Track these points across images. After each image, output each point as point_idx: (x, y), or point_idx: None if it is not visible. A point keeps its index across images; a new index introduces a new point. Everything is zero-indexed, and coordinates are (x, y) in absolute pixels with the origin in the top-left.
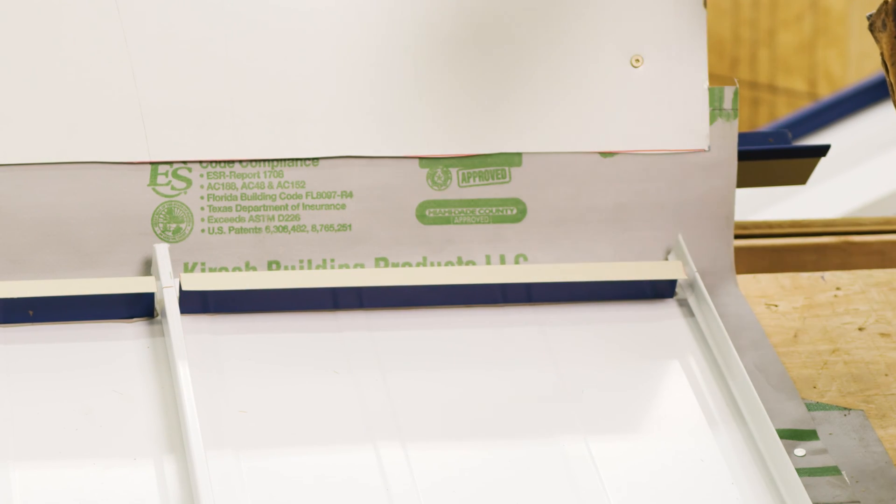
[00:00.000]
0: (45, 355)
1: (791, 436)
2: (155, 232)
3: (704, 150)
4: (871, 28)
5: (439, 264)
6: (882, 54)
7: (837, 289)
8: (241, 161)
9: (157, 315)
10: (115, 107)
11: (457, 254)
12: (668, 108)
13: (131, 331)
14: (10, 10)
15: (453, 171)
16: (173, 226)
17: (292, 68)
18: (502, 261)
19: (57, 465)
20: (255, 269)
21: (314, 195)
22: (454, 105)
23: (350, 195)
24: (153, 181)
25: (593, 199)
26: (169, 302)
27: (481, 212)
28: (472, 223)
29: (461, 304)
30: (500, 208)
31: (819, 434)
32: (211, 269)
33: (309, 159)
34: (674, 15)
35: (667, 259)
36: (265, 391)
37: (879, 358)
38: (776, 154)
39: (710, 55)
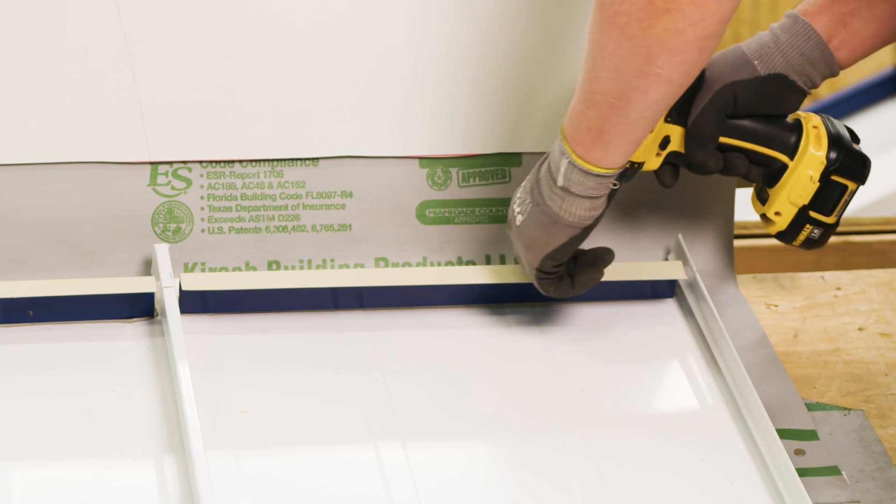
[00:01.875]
0: (45, 355)
1: (791, 436)
2: (155, 232)
3: None
4: None
5: (439, 264)
6: None
7: (837, 289)
8: (241, 161)
9: (157, 315)
10: (115, 107)
11: (457, 254)
12: None
13: (131, 331)
14: (10, 11)
15: (453, 171)
16: (173, 226)
17: (292, 69)
18: (502, 261)
19: (57, 465)
20: (255, 269)
21: (314, 195)
22: (454, 105)
23: (350, 195)
24: (153, 181)
25: None
26: (169, 302)
27: (481, 212)
28: (472, 223)
29: (461, 304)
30: (500, 208)
31: (819, 434)
32: (211, 269)
33: (309, 159)
34: None
35: (667, 259)
36: (265, 391)
37: (879, 358)
38: None
39: None
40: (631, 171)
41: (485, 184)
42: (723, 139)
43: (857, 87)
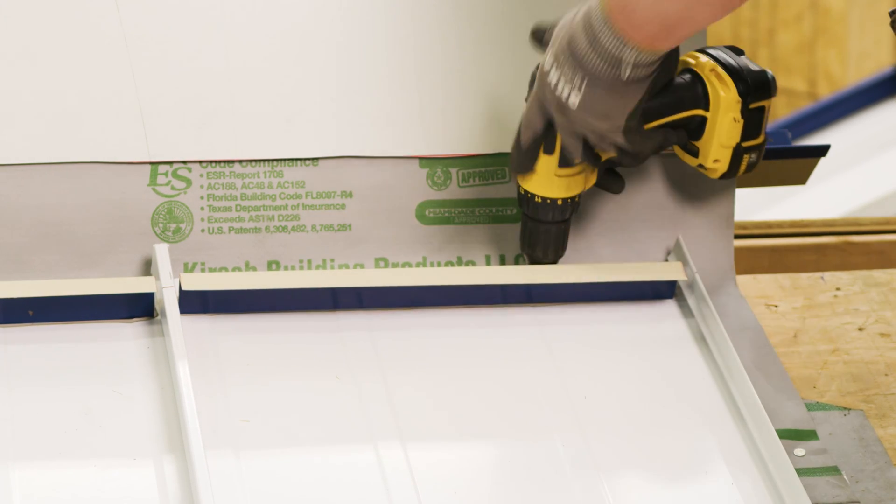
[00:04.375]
0: (45, 355)
1: (791, 436)
2: (155, 232)
3: None
4: (893, 25)
5: (439, 264)
6: None
7: (837, 289)
8: (240, 161)
9: (157, 315)
10: (115, 107)
11: (457, 254)
12: None
13: (131, 331)
14: (10, 11)
15: (453, 171)
16: (173, 226)
17: (292, 68)
18: (502, 261)
19: (57, 465)
20: (254, 269)
21: (314, 195)
22: (454, 105)
23: (350, 195)
24: (153, 181)
25: (593, 200)
26: (169, 302)
27: (481, 212)
28: (471, 223)
29: (461, 304)
30: (500, 208)
31: (819, 434)
32: (211, 269)
33: (309, 159)
34: None
35: (667, 259)
36: (265, 392)
37: (879, 358)
38: (776, 154)
39: None
40: (575, 204)
41: (485, 184)
42: (645, 126)
43: (857, 87)
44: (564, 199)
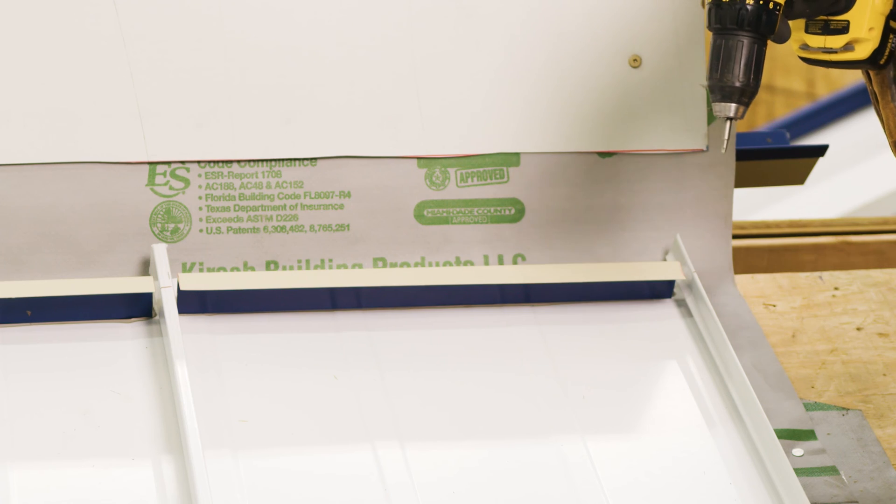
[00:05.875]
0: (43, 355)
1: (789, 436)
2: (153, 232)
3: (702, 150)
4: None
5: (437, 264)
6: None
7: (835, 289)
8: (239, 161)
9: (156, 315)
10: (114, 107)
11: (455, 254)
12: (666, 109)
13: (129, 331)
14: (9, 11)
15: (451, 170)
16: (171, 226)
17: (290, 68)
18: (500, 261)
19: (55, 465)
20: (253, 269)
21: (312, 195)
22: (453, 105)
23: (348, 195)
24: (151, 181)
25: (591, 200)
26: (167, 302)
27: (479, 212)
28: (470, 223)
29: (459, 304)
30: (499, 208)
31: (817, 434)
32: (209, 269)
33: (307, 159)
34: (672, 16)
35: (665, 259)
36: (263, 392)
37: (877, 358)
38: (774, 154)
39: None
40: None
41: (483, 184)
42: None
43: (855, 88)
44: (776, 3)
